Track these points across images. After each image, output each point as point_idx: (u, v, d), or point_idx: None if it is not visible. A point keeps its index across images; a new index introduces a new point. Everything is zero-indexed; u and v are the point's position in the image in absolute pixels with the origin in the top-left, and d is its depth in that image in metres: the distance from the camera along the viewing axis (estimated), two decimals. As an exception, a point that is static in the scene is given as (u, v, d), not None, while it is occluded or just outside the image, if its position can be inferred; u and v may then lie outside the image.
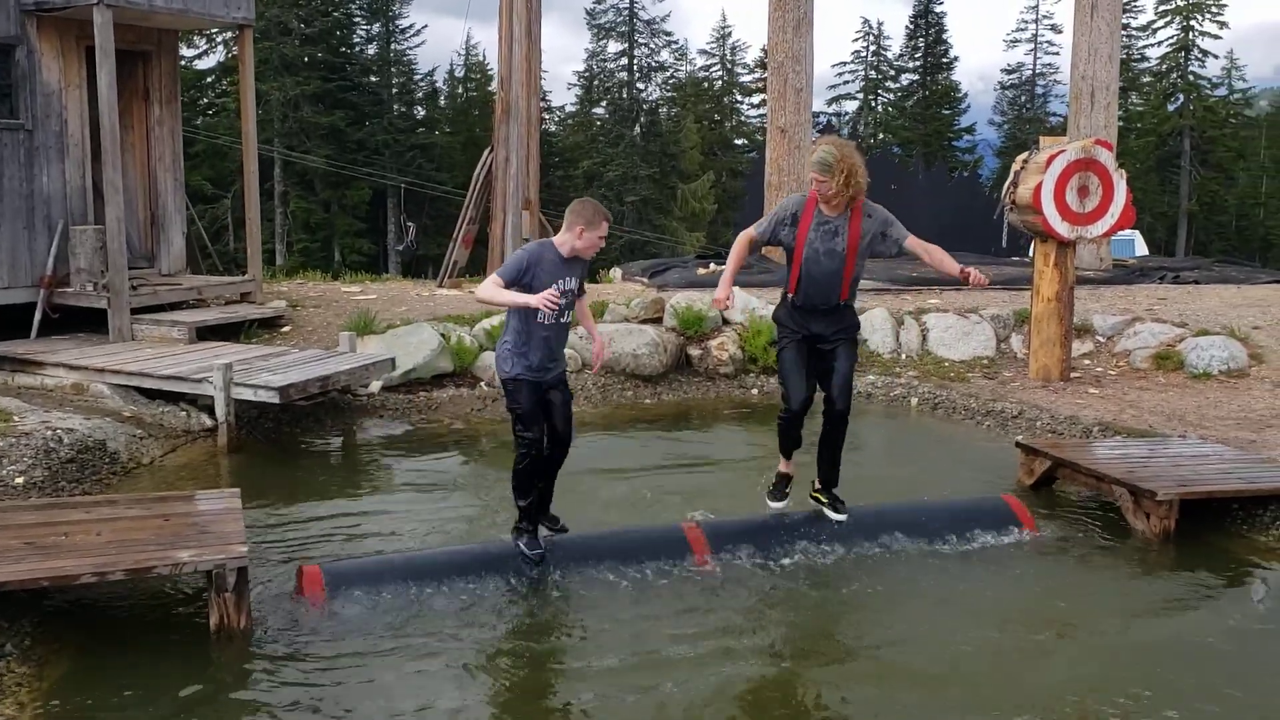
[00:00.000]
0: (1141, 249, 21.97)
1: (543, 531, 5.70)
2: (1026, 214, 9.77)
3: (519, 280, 5.30)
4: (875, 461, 8.24)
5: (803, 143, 13.79)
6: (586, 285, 5.73)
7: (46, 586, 4.77)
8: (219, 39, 40.47)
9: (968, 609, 5.28)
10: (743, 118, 55.11)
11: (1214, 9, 48.78)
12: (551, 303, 5.16)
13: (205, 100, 43.50)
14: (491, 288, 5.33)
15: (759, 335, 10.36)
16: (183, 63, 40.88)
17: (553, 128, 50.82)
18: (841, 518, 6.08)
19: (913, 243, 5.87)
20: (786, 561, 5.81)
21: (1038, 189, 9.53)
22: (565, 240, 5.42)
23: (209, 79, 43.29)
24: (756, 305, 10.83)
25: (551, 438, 5.59)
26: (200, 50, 42.09)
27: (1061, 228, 9.61)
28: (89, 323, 9.95)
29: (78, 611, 5.07)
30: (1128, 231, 22.07)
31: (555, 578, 5.51)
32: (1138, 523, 6.34)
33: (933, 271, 14.71)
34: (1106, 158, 9.72)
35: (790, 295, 5.95)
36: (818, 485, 6.17)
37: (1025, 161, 9.95)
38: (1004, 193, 10.11)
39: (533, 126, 13.33)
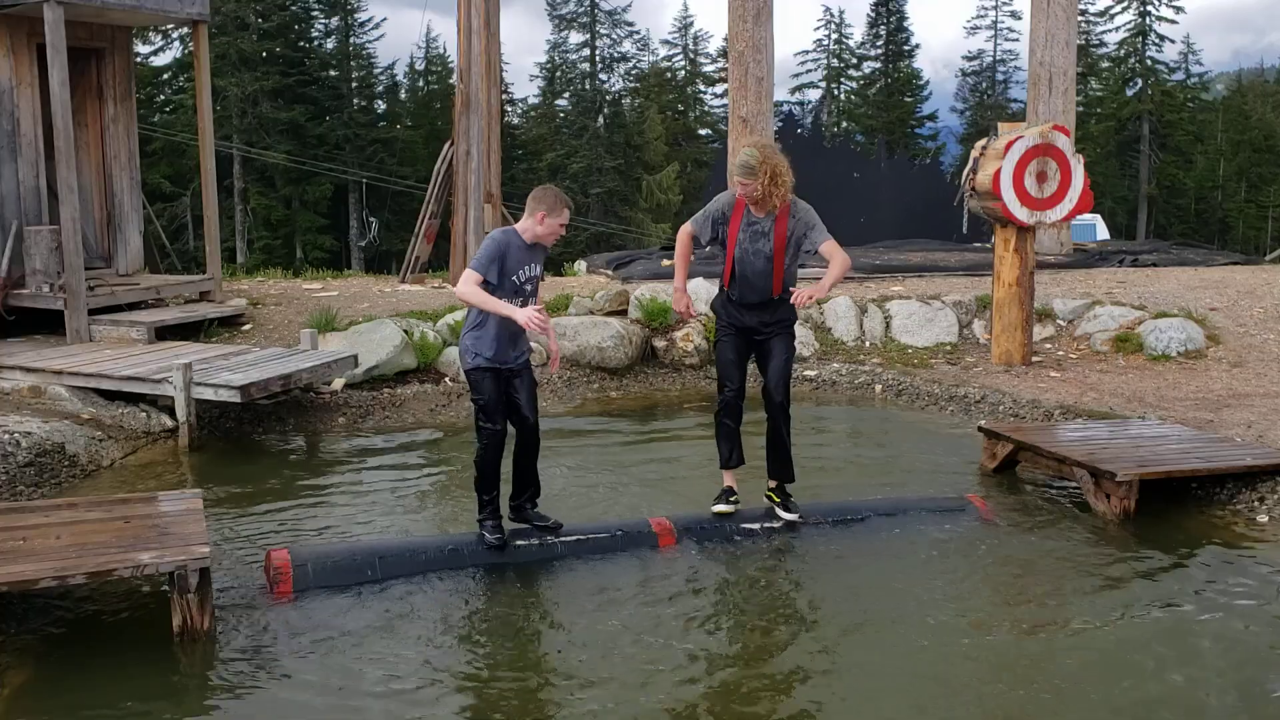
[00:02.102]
0: (1103, 233, 22.15)
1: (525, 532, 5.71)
2: (986, 200, 9.84)
3: (494, 270, 5.32)
4: (841, 449, 8.30)
5: (765, 132, 13.79)
6: (550, 278, 5.74)
7: (6, 592, 4.70)
8: (175, 35, 40.01)
9: (923, 594, 5.31)
10: (706, 108, 55.16)
11: (1169, -6, 49.37)
12: (538, 324, 5.18)
13: (162, 97, 43.02)
14: (474, 289, 5.28)
15: (723, 325, 10.37)
16: (138, 59, 40.42)
17: (515, 120, 50.66)
18: (792, 517, 6.08)
19: (827, 248, 5.85)
20: (749, 550, 5.84)
21: (997, 175, 9.60)
22: (527, 227, 5.44)
23: (165, 75, 42.80)
24: (721, 295, 10.84)
25: (519, 424, 5.60)
26: (156, 46, 41.62)
27: (1021, 213, 9.69)
28: (46, 325, 9.82)
29: (39, 617, 5.00)
30: (1089, 216, 22.25)
31: (521, 570, 5.52)
32: (1099, 504, 6.41)
33: (896, 259, 14.78)
34: (1064, 143, 9.80)
35: (725, 289, 6.04)
36: (771, 484, 6.18)
37: (984, 148, 10.02)
38: (964, 179, 10.18)
39: (493, 119, 13.24)
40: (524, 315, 5.19)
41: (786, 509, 6.11)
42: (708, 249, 6.30)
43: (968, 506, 6.42)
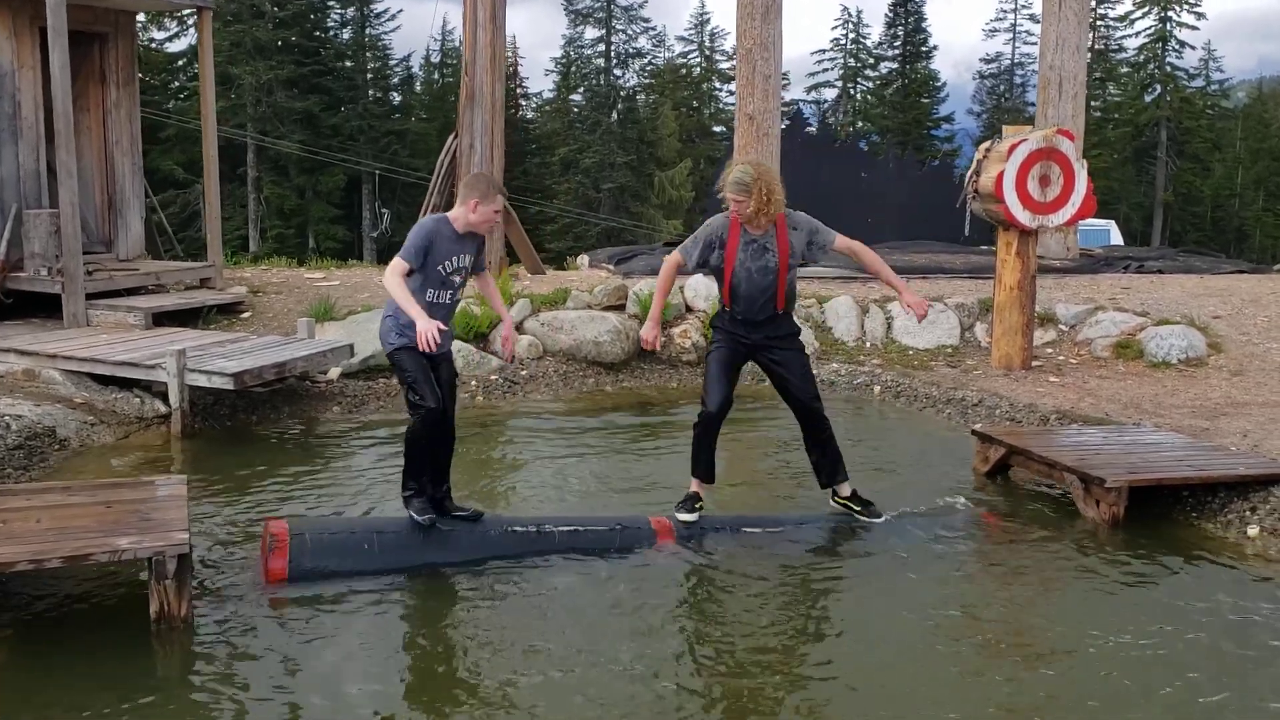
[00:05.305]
0: (1116, 239, 21.99)
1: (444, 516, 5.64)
2: (989, 202, 9.78)
3: (422, 259, 5.27)
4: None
5: (771, 130, 13.75)
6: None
7: (-18, 574, 4.71)
8: (190, 21, 40.12)
9: (908, 599, 5.26)
10: (721, 105, 55.04)
11: (1191, 0, 49.11)
12: (432, 343, 5.08)
13: (177, 84, 43.14)
14: (397, 281, 5.21)
15: (722, 323, 10.33)
16: (153, 45, 40.56)
17: (529, 114, 50.67)
18: (879, 519, 6.10)
19: (841, 243, 5.89)
20: (747, 547, 5.82)
21: (999, 177, 9.54)
22: (459, 215, 5.37)
23: (180, 62, 42.90)
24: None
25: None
26: (171, 32, 41.77)
27: (1023, 216, 9.63)
28: (43, 308, 9.84)
29: (16, 601, 5.00)
30: (1103, 221, 22.12)
31: (515, 564, 5.50)
32: (1088, 510, 6.36)
33: (901, 260, 14.67)
34: (1068, 147, 9.73)
35: (727, 309, 6.00)
36: (843, 494, 6.18)
37: (988, 150, 9.96)
38: (967, 181, 10.12)
39: (497, 112, 13.21)
40: (423, 333, 5.06)
41: (868, 514, 6.12)
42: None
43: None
